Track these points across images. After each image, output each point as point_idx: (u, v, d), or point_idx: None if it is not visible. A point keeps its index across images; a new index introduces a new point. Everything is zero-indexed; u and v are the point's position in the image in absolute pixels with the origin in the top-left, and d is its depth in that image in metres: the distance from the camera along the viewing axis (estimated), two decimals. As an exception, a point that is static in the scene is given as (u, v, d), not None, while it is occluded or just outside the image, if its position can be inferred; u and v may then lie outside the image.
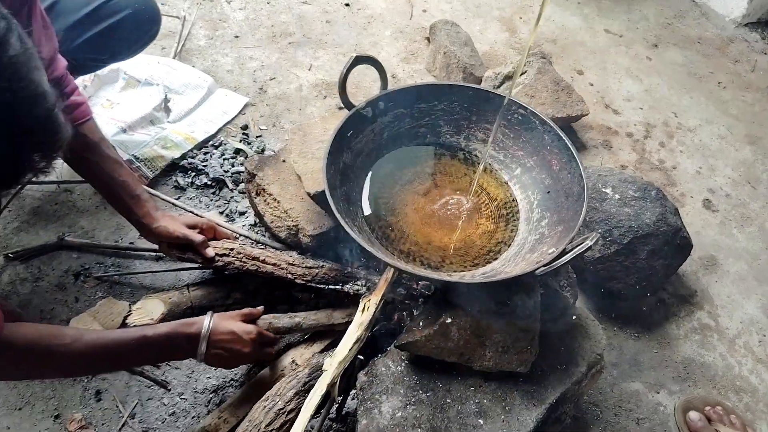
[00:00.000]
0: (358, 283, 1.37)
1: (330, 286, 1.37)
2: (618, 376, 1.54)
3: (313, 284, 1.38)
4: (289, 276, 1.37)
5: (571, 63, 2.29)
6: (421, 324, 1.23)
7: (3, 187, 0.74)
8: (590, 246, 1.06)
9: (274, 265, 1.38)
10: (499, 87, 1.96)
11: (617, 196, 1.59)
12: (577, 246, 1.07)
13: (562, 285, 1.53)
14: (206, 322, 1.19)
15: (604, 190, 1.62)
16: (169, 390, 1.38)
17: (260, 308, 1.32)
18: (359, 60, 1.33)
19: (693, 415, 1.45)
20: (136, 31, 1.51)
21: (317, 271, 1.39)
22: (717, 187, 1.98)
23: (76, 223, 1.62)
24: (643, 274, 1.55)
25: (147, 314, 1.39)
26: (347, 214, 1.27)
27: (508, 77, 1.95)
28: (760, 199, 1.98)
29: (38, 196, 1.65)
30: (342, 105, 1.36)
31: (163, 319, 1.38)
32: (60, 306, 1.47)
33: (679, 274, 1.73)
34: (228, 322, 1.24)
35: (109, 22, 1.45)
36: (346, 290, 1.37)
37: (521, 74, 1.99)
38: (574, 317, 1.33)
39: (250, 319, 1.30)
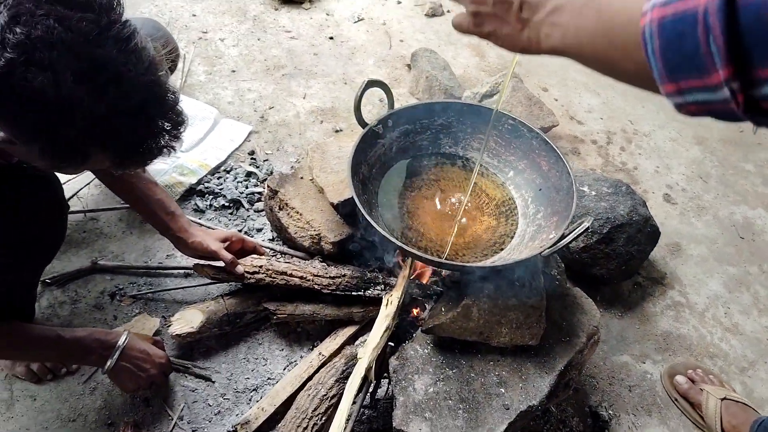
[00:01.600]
0: (378, 288, 1.53)
1: (353, 293, 1.53)
2: (608, 351, 1.74)
3: (338, 292, 1.54)
4: (315, 287, 1.53)
5: (536, 81, 2.54)
6: (443, 309, 1.41)
7: (144, 162, 0.91)
8: (588, 227, 1.27)
9: (300, 278, 1.53)
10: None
11: (593, 193, 1.82)
12: (577, 228, 1.28)
13: (553, 274, 1.73)
14: (124, 335, 1.33)
15: (581, 188, 1.84)
16: (214, 382, 1.50)
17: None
18: (371, 83, 1.52)
19: (680, 378, 1.66)
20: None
21: (340, 280, 1.55)
22: (674, 183, 2.25)
23: (106, 248, 1.74)
24: (622, 259, 1.77)
25: (187, 324, 1.52)
26: (372, 218, 1.45)
27: (486, 95, 2.17)
28: (711, 192, 2.25)
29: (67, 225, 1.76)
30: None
31: (203, 326, 1.52)
32: (100, 324, 1.58)
33: (650, 259, 1.96)
34: (143, 343, 1.39)
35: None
36: (368, 295, 1.53)
37: (494, 94, 2.22)
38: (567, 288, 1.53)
39: (161, 346, 1.46)
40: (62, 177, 1.45)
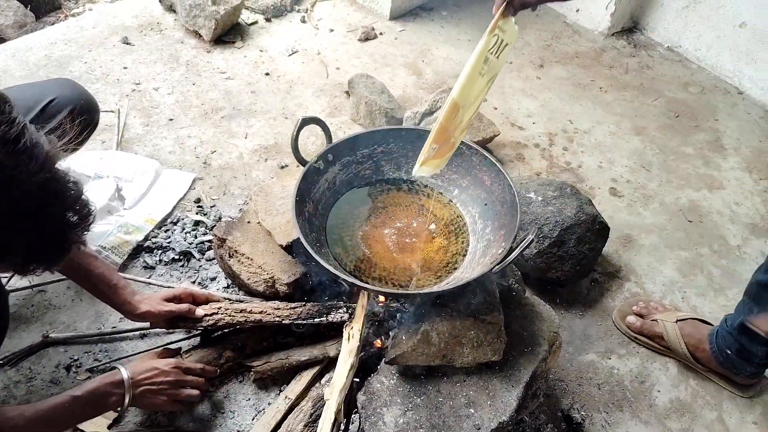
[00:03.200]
0: (341, 311, 1.52)
1: (316, 320, 1.51)
2: (573, 352, 1.76)
3: (300, 321, 1.51)
4: (277, 319, 1.51)
5: (474, 93, 2.58)
6: (403, 338, 1.41)
7: (55, 262, 0.86)
8: (532, 239, 1.29)
9: (261, 312, 1.51)
10: (419, 123, 2.20)
11: (540, 198, 1.85)
12: (522, 242, 1.29)
13: (511, 283, 1.75)
14: (123, 367, 1.34)
15: (528, 195, 1.87)
16: None
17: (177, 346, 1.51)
18: (306, 121, 1.52)
19: (631, 318, 1.80)
20: (80, 124, 1.61)
21: (301, 309, 1.53)
22: (618, 176, 2.30)
23: (57, 319, 1.69)
24: (575, 259, 1.80)
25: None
26: (321, 256, 1.44)
27: (426, 114, 2.20)
28: (655, 180, 2.31)
29: (13, 302, 1.70)
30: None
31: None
32: (59, 399, 1.53)
33: (604, 255, 1.99)
34: (146, 362, 1.40)
35: (55, 121, 1.54)
36: (330, 320, 1.51)
37: (434, 112, 2.24)
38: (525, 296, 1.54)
39: (168, 356, 1.47)
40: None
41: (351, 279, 1.29)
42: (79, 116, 1.61)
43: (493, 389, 1.39)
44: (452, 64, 2.70)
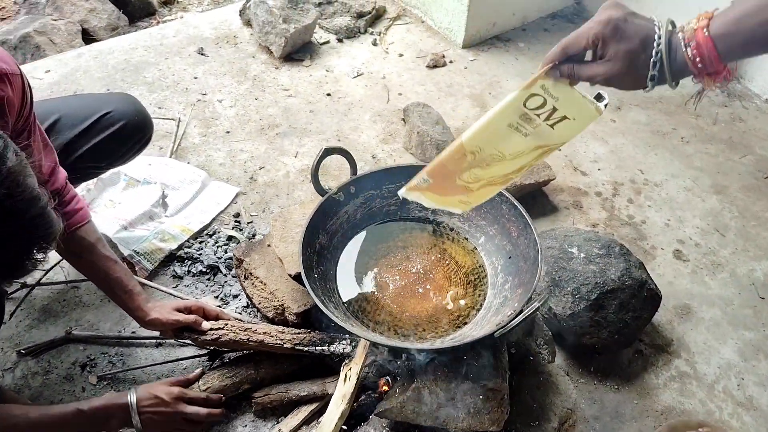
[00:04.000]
0: (344, 342, 1.45)
1: (318, 348, 1.45)
2: (601, 430, 1.59)
3: (301, 347, 1.45)
4: (279, 342, 1.46)
5: (540, 131, 2.44)
6: (397, 390, 1.32)
7: (7, 279, 0.86)
8: (538, 307, 1.17)
9: (264, 333, 1.47)
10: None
11: (582, 255, 1.70)
12: (526, 308, 1.18)
13: (539, 343, 1.61)
14: (131, 391, 1.36)
15: (570, 249, 1.72)
16: None
17: (195, 373, 1.49)
18: (329, 151, 1.48)
19: None
20: (130, 140, 1.67)
21: (304, 335, 1.47)
22: (686, 237, 2.08)
23: (83, 317, 1.74)
24: (615, 327, 1.63)
25: None
26: (324, 291, 1.39)
27: (478, 150, 2.10)
28: (729, 246, 2.07)
29: (47, 295, 1.78)
30: (327, 186, 1.51)
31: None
32: (68, 396, 1.57)
33: (655, 324, 1.80)
34: (153, 388, 1.39)
35: (107, 133, 1.59)
36: (332, 350, 1.45)
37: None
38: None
39: (184, 384, 1.46)
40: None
41: (339, 321, 1.22)
42: (132, 132, 1.67)
43: (489, 462, 1.28)
44: (522, 98, 2.58)
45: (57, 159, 1.36)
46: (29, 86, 1.16)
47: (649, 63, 0.88)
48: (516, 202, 1.45)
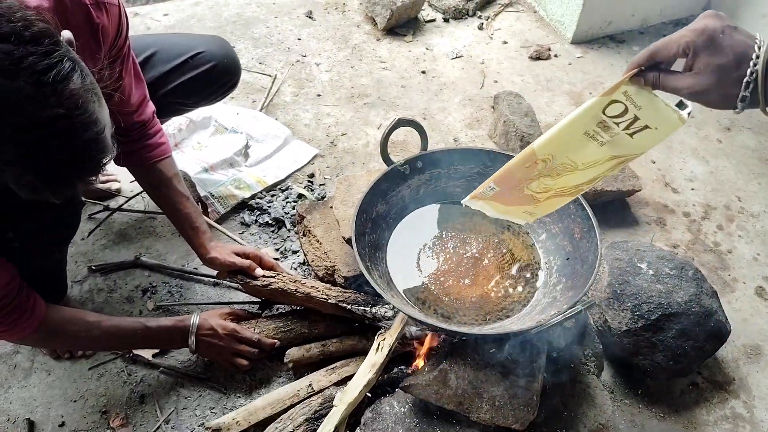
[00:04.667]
0: (387, 306, 1.45)
1: (360, 308, 1.46)
2: (637, 455, 1.51)
3: (346, 304, 1.48)
4: (324, 297, 1.49)
5: (636, 140, 2.31)
6: (426, 369, 1.31)
7: (56, 194, 0.89)
8: (580, 310, 1.12)
9: (312, 287, 1.50)
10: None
11: (651, 272, 1.60)
12: (568, 310, 1.13)
13: (586, 354, 1.55)
14: (194, 316, 1.48)
15: (639, 264, 1.63)
16: (226, 394, 1.53)
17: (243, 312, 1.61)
18: (401, 122, 1.47)
19: None
20: (217, 81, 1.72)
21: (349, 294, 1.50)
22: (775, 276, 1.91)
23: (153, 246, 1.86)
24: (671, 353, 1.53)
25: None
26: (372, 258, 1.39)
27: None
28: (824, 294, 1.88)
29: (125, 220, 1.91)
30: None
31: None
32: (126, 314, 1.68)
33: (718, 359, 1.68)
34: (212, 319, 1.50)
35: (197, 71, 1.65)
36: (374, 312, 1.46)
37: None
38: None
39: (235, 318, 1.56)
40: (130, 176, 1.62)
41: (379, 289, 1.22)
42: (220, 74, 1.74)
43: (506, 459, 1.25)
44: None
45: (147, 92, 1.44)
46: (126, 17, 1.23)
47: (742, 82, 0.80)
48: (584, 203, 1.39)
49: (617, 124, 0.96)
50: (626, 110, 0.94)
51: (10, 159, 0.80)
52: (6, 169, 0.82)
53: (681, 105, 0.93)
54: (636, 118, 0.95)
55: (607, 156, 1.03)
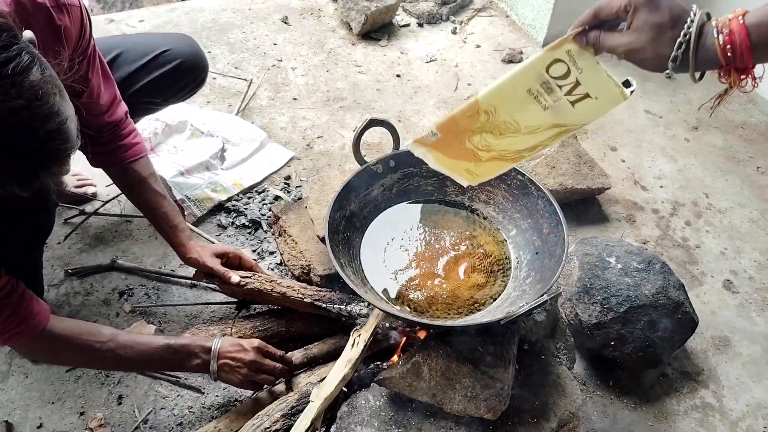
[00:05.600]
0: (362, 304, 1.47)
1: (336, 306, 1.48)
2: (608, 444, 1.55)
3: (320, 303, 1.49)
4: (300, 296, 1.51)
5: (605, 139, 2.37)
6: (400, 362, 1.34)
7: (22, 188, 0.90)
8: (546, 300, 1.15)
9: (288, 287, 1.52)
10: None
11: (619, 266, 1.64)
12: (534, 300, 1.16)
13: (558, 347, 1.58)
14: (217, 339, 1.39)
15: (608, 259, 1.67)
16: (204, 394, 1.53)
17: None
18: (374, 122, 1.51)
19: None
20: (184, 78, 1.72)
21: (324, 293, 1.51)
22: (741, 269, 1.97)
23: (130, 249, 1.86)
24: (640, 344, 1.58)
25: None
26: (345, 256, 1.42)
27: (534, 148, 2.06)
28: (787, 286, 1.95)
29: (102, 224, 1.91)
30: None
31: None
32: (102, 319, 1.68)
33: (687, 350, 1.72)
34: (237, 340, 1.42)
35: (164, 69, 1.65)
36: (349, 310, 1.48)
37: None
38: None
39: (257, 346, 1.45)
40: (106, 180, 1.58)
41: (354, 286, 1.24)
42: (187, 70, 1.74)
43: (479, 449, 1.28)
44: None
45: (117, 93, 1.44)
46: (89, 18, 1.23)
47: (675, 42, 0.83)
48: (552, 198, 1.43)
49: (560, 87, 0.98)
50: (568, 72, 0.97)
51: None
52: None
53: (627, 84, 0.96)
54: (578, 83, 0.97)
55: (549, 123, 1.05)
